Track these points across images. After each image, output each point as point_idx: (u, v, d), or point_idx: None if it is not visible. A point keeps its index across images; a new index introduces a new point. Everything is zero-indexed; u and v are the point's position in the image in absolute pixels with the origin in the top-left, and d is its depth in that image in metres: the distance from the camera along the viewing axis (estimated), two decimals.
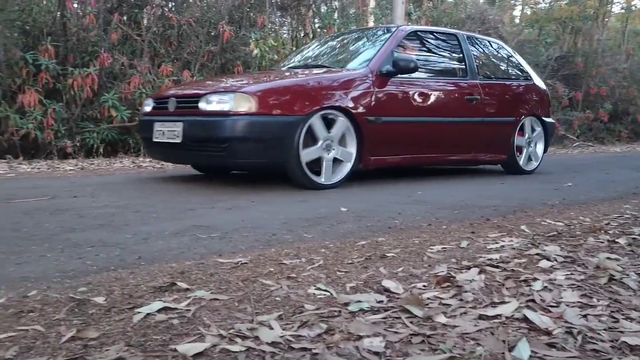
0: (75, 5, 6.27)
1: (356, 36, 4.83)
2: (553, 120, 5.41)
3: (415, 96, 4.11)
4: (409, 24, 9.19)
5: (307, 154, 3.45)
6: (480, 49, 4.93)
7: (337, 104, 3.57)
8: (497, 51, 5.18)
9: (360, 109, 3.69)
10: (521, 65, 5.28)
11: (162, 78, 6.09)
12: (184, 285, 1.44)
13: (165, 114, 3.66)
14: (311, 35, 8.10)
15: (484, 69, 4.87)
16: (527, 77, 5.22)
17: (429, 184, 4.12)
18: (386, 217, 2.61)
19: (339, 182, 3.63)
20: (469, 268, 1.66)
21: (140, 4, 6.85)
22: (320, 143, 3.52)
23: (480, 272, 1.61)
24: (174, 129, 3.49)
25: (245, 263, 1.70)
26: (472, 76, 4.60)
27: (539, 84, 5.28)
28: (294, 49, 7.37)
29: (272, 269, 1.63)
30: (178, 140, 3.45)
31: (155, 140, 3.66)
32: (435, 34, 4.75)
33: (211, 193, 3.28)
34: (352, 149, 3.68)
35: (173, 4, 7.50)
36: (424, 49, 4.53)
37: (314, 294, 1.42)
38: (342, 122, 3.62)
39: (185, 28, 6.70)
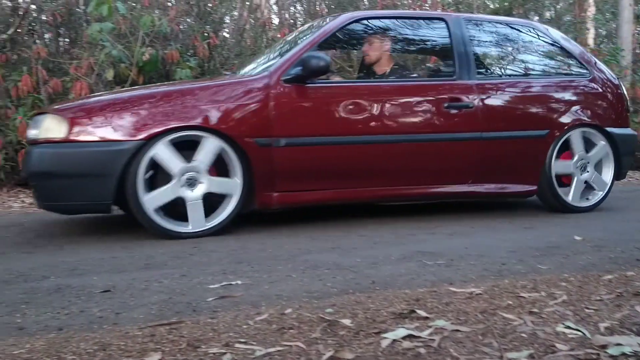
0: None
1: (305, 33, 3.49)
2: (632, 131, 3.69)
3: (350, 106, 2.96)
4: (638, 28, 8.13)
5: (157, 196, 2.61)
6: (492, 37, 3.62)
7: (198, 123, 2.66)
8: (528, 38, 3.68)
9: (244, 128, 2.75)
10: (573, 55, 3.65)
11: None
12: (422, 313, 1.46)
13: None
14: None
15: (495, 63, 3.79)
16: (583, 71, 3.59)
17: None
18: (631, 248, 2.32)
19: (214, 227, 2.69)
20: None
21: None
22: (178, 178, 2.62)
23: None
24: None
25: (480, 294, 1.66)
26: (464, 74, 3.23)
27: (604, 80, 3.61)
28: None
29: (510, 302, 1.56)
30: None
31: None
32: (406, 20, 3.54)
33: (429, 218, 3.29)
34: (236, 180, 2.74)
35: None
36: (387, 42, 3.45)
37: (563, 332, 1.32)
38: (212, 145, 2.68)
39: None
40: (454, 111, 3.14)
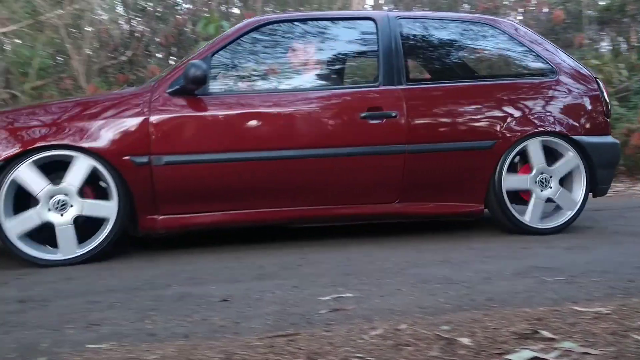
0: None
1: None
2: (612, 140, 3.11)
3: (246, 119, 2.71)
4: None
5: (21, 221, 2.44)
6: (434, 37, 3.21)
7: (66, 142, 2.48)
8: (482, 37, 3.24)
9: (118, 146, 2.54)
10: (537, 54, 3.12)
11: None
12: (547, 334, 1.38)
13: None
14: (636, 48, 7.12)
15: (433, 66, 3.47)
16: (547, 72, 3.09)
17: None
18: None
19: (87, 254, 2.49)
20: None
21: None
22: (44, 202, 2.45)
23: None
24: None
25: (608, 314, 1.54)
26: (389, 80, 2.87)
27: (575, 81, 3.06)
28: (619, 65, 6.56)
29: None
30: None
31: None
32: (328, 21, 3.15)
33: None
34: (112, 202, 2.53)
35: None
36: (305, 48, 3.11)
37: None
38: (83, 165, 2.49)
39: None
40: (373, 122, 2.78)
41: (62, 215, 2.48)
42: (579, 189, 2.95)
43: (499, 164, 2.87)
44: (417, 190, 2.87)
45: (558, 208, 2.98)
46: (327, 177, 2.78)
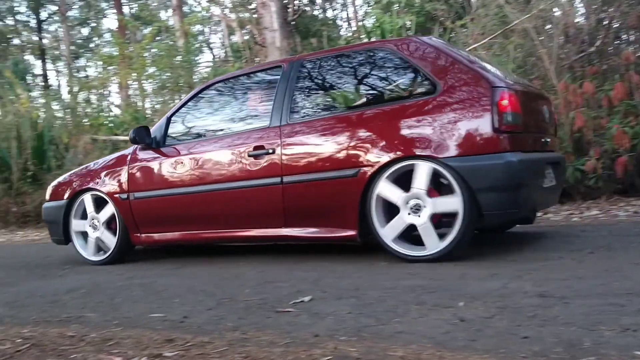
0: None
1: None
2: (501, 159, 2.66)
3: (166, 164, 3.65)
4: None
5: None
6: (326, 73, 3.33)
7: (98, 188, 3.91)
8: (370, 64, 3.22)
9: (112, 187, 3.82)
10: (424, 74, 2.92)
11: None
12: None
13: None
14: None
15: (317, 101, 3.35)
16: (430, 90, 2.88)
17: None
18: None
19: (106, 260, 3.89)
20: None
21: None
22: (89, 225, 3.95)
23: None
24: None
25: None
26: (276, 119, 3.25)
27: (459, 96, 2.78)
28: None
29: None
30: None
31: None
32: (246, 76, 3.81)
33: None
34: (116, 225, 3.83)
35: None
36: (228, 99, 3.83)
37: None
38: (88, 199, 3.96)
39: None
40: (258, 158, 3.26)
41: (94, 232, 3.92)
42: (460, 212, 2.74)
43: (365, 192, 2.92)
44: (298, 217, 3.19)
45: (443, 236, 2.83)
46: (230, 206, 3.42)
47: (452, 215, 2.79)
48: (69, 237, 4.02)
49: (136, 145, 3.82)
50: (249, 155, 3.30)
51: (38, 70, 20.61)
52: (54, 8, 20.23)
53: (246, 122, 3.58)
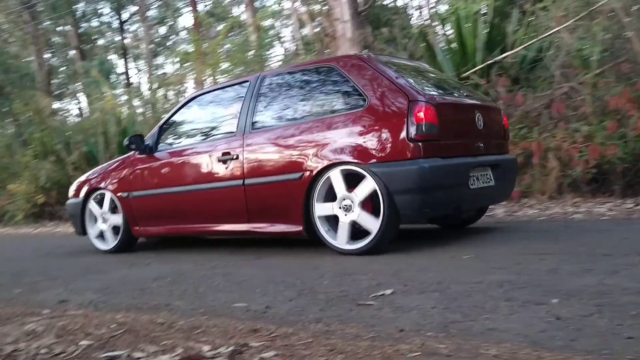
0: None
1: None
2: (413, 166, 3.02)
3: (156, 168, 4.22)
4: None
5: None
6: (283, 88, 3.76)
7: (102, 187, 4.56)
8: (318, 81, 3.61)
9: (115, 187, 4.43)
10: (357, 88, 3.31)
11: None
12: None
13: None
14: None
15: (272, 113, 3.73)
16: (360, 103, 3.28)
17: None
18: None
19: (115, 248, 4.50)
20: None
21: None
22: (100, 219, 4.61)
23: None
24: None
25: None
26: (240, 130, 3.74)
27: (386, 107, 3.16)
28: None
29: None
30: None
31: None
32: (222, 89, 4.30)
33: None
34: (119, 219, 4.43)
35: None
36: (207, 111, 4.35)
37: None
38: (106, 198, 4.54)
39: None
40: (225, 164, 3.75)
41: (105, 225, 4.58)
42: (379, 214, 3.10)
43: (309, 192, 3.34)
44: (258, 214, 3.63)
45: (366, 231, 3.19)
46: (205, 204, 3.91)
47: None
48: (86, 229, 4.67)
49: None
50: (219, 161, 3.80)
51: (120, 69, 21.67)
52: (135, 9, 21.17)
53: (219, 130, 4.09)
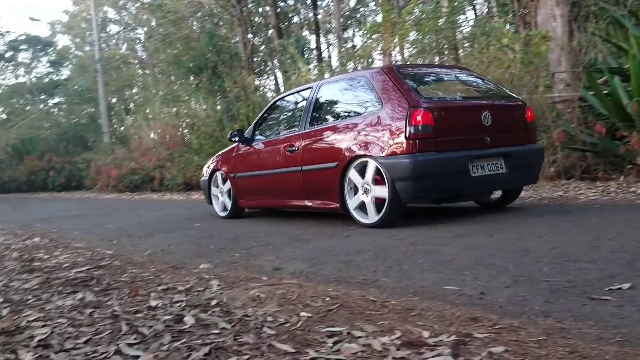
0: None
1: None
2: (406, 159, 3.84)
3: (251, 155, 5.53)
4: None
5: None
6: (331, 94, 4.88)
7: (221, 169, 6.01)
8: (354, 88, 4.59)
9: (227, 169, 5.87)
10: (377, 95, 4.21)
11: None
12: None
13: None
14: None
15: (322, 115, 4.83)
16: (376, 108, 4.20)
17: None
18: None
19: (229, 215, 5.92)
20: None
21: None
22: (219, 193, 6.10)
23: None
24: None
25: None
26: (302, 126, 4.82)
27: (393, 112, 4.01)
28: None
29: None
30: None
31: None
32: (297, 93, 5.46)
33: None
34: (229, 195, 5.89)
35: None
36: (285, 110, 5.63)
37: None
38: (220, 177, 6.06)
39: None
40: (290, 153, 4.85)
41: (221, 196, 6.01)
42: (387, 195, 3.98)
43: (341, 177, 4.30)
44: (312, 193, 4.70)
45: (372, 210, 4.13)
46: (279, 184, 5.08)
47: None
48: (211, 199, 6.19)
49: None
50: (286, 151, 4.91)
51: (312, 44, 22.60)
52: None
53: (291, 127, 5.16)
